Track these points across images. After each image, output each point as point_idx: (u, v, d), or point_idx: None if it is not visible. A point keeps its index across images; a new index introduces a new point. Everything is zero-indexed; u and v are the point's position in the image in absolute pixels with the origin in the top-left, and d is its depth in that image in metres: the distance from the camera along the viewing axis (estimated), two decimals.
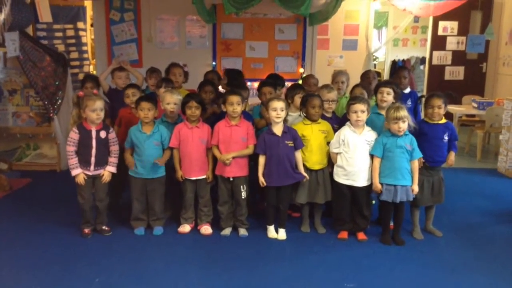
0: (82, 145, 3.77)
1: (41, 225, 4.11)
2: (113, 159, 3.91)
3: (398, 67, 6.77)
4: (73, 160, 3.77)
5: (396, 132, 3.67)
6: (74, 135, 3.77)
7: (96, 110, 3.72)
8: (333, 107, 4.17)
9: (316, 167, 3.94)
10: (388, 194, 3.71)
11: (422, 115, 4.31)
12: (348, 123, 3.85)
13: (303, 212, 4.12)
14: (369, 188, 3.83)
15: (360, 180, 3.80)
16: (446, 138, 3.87)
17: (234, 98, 3.85)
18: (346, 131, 3.82)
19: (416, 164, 3.72)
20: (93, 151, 3.78)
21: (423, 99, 4.12)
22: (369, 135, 3.81)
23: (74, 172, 3.78)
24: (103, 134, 3.82)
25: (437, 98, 3.85)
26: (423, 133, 3.82)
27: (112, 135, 3.90)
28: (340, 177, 3.86)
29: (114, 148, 3.91)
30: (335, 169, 3.90)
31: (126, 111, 4.30)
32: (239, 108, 3.84)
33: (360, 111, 3.73)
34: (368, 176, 3.81)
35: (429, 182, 3.90)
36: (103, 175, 3.85)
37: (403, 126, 3.65)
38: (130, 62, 5.74)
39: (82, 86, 4.64)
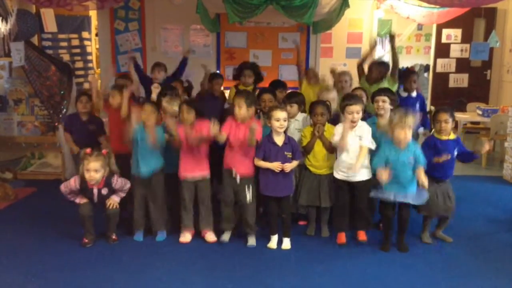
0: (83, 194, 3.85)
1: (45, 234, 4.11)
2: (121, 193, 3.92)
3: (407, 71, 6.55)
4: (71, 197, 3.88)
5: (399, 140, 3.56)
6: (73, 185, 3.80)
7: (89, 170, 3.70)
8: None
9: (320, 171, 3.97)
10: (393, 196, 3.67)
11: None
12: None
13: (309, 215, 4.13)
14: (368, 183, 3.82)
15: (357, 175, 3.80)
16: (455, 152, 3.85)
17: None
18: (341, 128, 3.80)
19: (420, 171, 3.59)
20: (95, 200, 3.85)
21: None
22: (361, 130, 3.79)
23: (77, 201, 3.88)
24: (104, 191, 3.83)
25: (443, 112, 3.82)
26: (435, 149, 3.77)
27: (119, 183, 3.85)
28: (338, 173, 3.88)
29: (123, 194, 3.92)
30: (334, 166, 3.92)
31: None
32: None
33: (356, 113, 3.74)
34: (366, 170, 3.82)
35: (442, 194, 3.89)
36: (109, 204, 3.86)
37: (409, 134, 3.56)
38: None
39: (76, 101, 4.63)
